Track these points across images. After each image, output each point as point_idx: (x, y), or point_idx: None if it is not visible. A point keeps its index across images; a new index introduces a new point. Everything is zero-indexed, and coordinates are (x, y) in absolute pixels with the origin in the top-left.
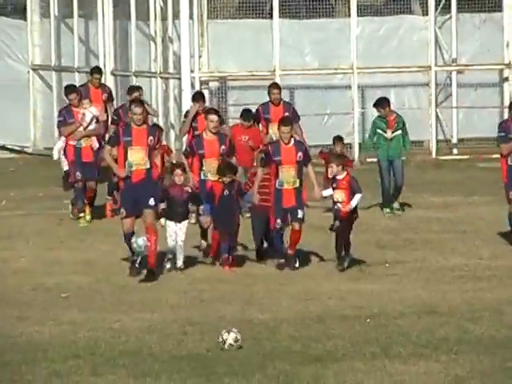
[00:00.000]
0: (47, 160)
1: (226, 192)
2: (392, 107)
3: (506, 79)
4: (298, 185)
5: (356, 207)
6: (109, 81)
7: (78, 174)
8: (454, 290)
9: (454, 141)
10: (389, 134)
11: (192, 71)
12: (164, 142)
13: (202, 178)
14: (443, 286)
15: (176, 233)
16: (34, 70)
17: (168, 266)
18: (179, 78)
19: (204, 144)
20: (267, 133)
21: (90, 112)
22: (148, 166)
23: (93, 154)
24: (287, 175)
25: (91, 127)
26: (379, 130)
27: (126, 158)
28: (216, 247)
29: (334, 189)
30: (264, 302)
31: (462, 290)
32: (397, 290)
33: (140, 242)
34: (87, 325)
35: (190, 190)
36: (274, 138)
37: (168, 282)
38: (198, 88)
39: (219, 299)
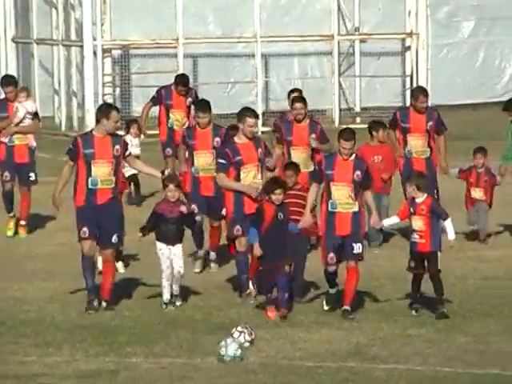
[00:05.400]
0: None
1: (280, 216)
2: (295, 76)
3: (408, 48)
4: (355, 209)
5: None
6: (10, 48)
7: (6, 174)
8: None
9: (357, 109)
10: None
11: (94, 39)
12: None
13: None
14: None
15: (170, 258)
16: None
17: (164, 306)
18: (81, 46)
19: (239, 148)
20: (405, 145)
21: (23, 107)
22: (113, 185)
23: (28, 154)
24: (339, 194)
25: (25, 123)
26: None
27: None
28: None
29: (411, 215)
30: None
31: (364, 257)
32: None
33: (231, 352)
34: None
35: (184, 211)
36: (413, 152)
37: (72, 252)
38: (99, 55)
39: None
